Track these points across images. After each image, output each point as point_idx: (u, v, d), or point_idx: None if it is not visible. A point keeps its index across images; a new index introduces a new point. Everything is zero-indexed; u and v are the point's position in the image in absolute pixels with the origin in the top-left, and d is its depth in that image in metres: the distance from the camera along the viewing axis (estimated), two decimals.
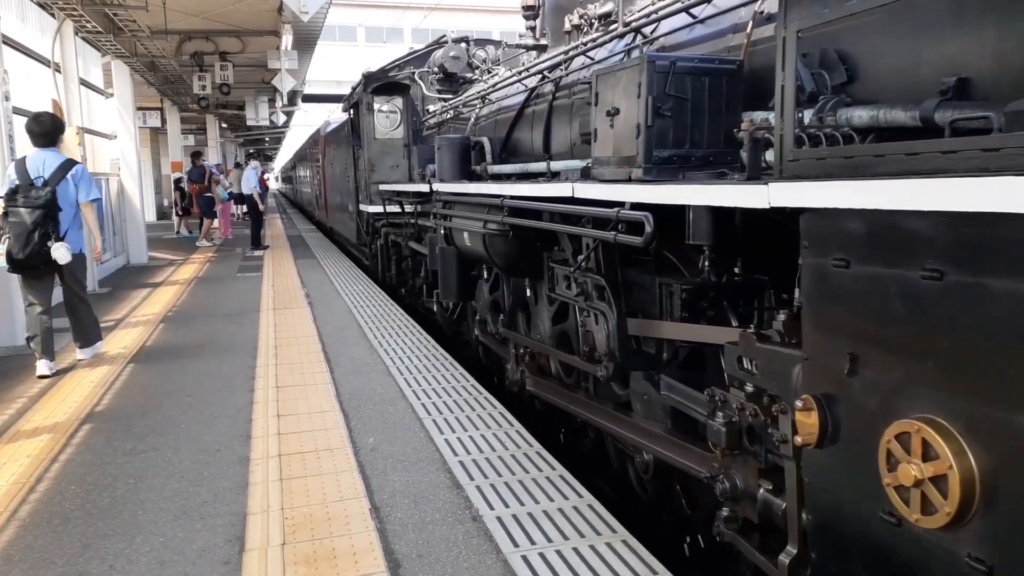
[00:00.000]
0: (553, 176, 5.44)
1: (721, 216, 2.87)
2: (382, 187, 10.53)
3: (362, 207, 12.25)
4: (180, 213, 21.71)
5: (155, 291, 11.33)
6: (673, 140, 3.28)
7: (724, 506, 2.98)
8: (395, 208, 9.96)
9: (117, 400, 5.71)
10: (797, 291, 2.46)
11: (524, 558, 3.15)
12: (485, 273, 6.87)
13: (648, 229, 3.11)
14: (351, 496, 3.86)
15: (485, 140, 7.05)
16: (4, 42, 8.02)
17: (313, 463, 4.33)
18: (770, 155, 2.61)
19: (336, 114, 17.89)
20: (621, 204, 3.42)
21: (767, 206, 2.36)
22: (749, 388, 2.76)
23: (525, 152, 6.43)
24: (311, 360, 6.71)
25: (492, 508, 3.65)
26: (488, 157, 6.94)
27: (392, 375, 6.12)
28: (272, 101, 23.70)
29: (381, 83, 11.50)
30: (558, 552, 3.20)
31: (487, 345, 7.10)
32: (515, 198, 4.92)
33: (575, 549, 3.22)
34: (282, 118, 26.89)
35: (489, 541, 3.33)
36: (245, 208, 20.08)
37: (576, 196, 3.92)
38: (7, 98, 7.71)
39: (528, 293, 5.91)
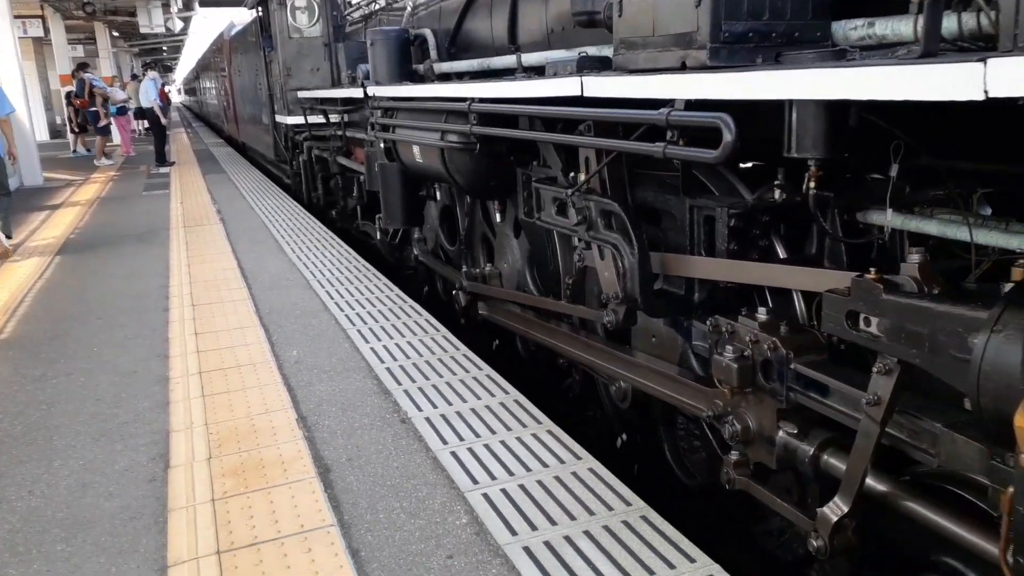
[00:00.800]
0: (531, 73, 4.19)
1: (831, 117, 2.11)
2: (301, 94, 9.49)
3: (279, 119, 10.99)
4: (76, 130, 20.35)
5: (54, 214, 10.71)
6: (748, 9, 2.38)
7: (733, 449, 2.61)
8: (318, 118, 8.94)
9: (21, 327, 5.45)
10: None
11: (453, 454, 3.22)
12: (438, 195, 5.97)
13: (728, 137, 2.20)
14: (277, 408, 3.83)
15: (427, 32, 5.85)
16: None
17: (236, 378, 4.26)
18: (949, 23, 1.95)
19: (242, 15, 16.28)
20: (663, 103, 2.50)
21: (982, 96, 1.50)
22: (762, 316, 2.42)
23: (482, 46, 5.30)
24: (227, 277, 6.52)
25: (420, 410, 3.69)
26: (433, 53, 5.77)
27: (313, 288, 6.02)
28: (166, 6, 22.12)
29: None
30: (486, 446, 3.27)
31: (432, 268, 6.39)
32: (488, 101, 3.91)
33: (502, 442, 3.30)
34: (179, 24, 25.17)
35: (418, 441, 3.38)
36: (146, 123, 18.97)
37: (588, 95, 2.94)
38: None
39: (499, 219, 5.02)
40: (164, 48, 41.75)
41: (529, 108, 3.53)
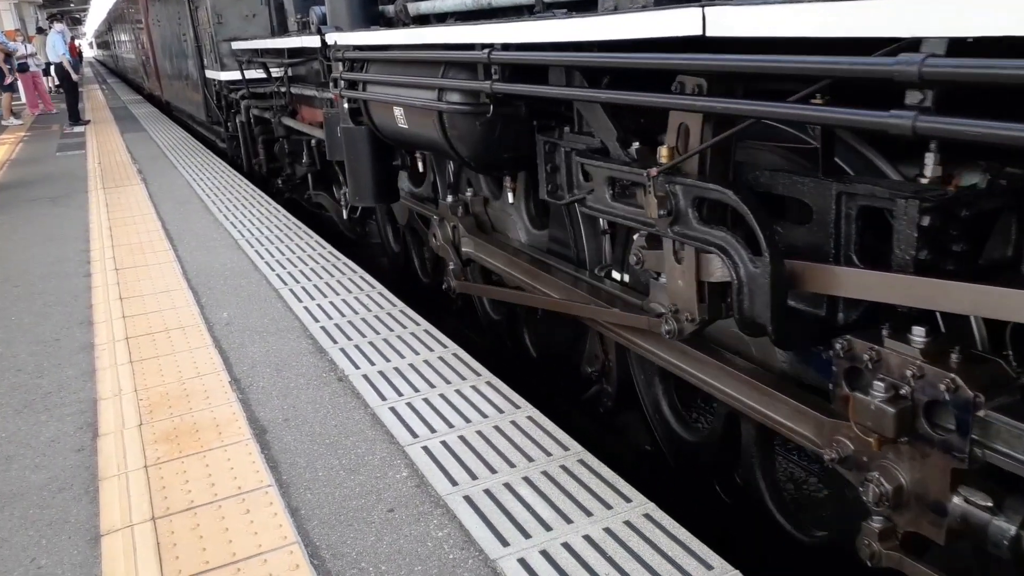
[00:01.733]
0: (557, 9, 3.10)
1: None
2: (235, 45, 8.35)
3: (210, 74, 9.85)
4: None
5: None
6: None
7: (876, 514, 1.99)
8: (258, 73, 7.93)
9: None
10: None
11: (392, 409, 3.22)
12: (419, 165, 5.10)
13: None
14: (209, 371, 3.75)
15: None
16: None
17: (164, 343, 4.15)
18: None
19: None
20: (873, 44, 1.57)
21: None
22: (920, 339, 1.82)
23: None
24: (151, 239, 6.29)
25: (358, 367, 3.66)
26: None
27: (242, 248, 5.86)
28: None
29: None
30: (426, 400, 3.28)
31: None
32: (518, 48, 2.93)
33: (442, 395, 3.31)
34: None
35: (356, 398, 3.36)
36: (56, 80, 17.98)
37: (712, 35, 1.96)
38: None
39: (510, 198, 4.08)
40: None
41: (606, 57, 2.44)
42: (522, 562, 2.24)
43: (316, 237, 6.08)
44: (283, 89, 7.19)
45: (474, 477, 2.67)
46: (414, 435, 3.00)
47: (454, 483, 2.65)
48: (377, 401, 3.31)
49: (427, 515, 2.50)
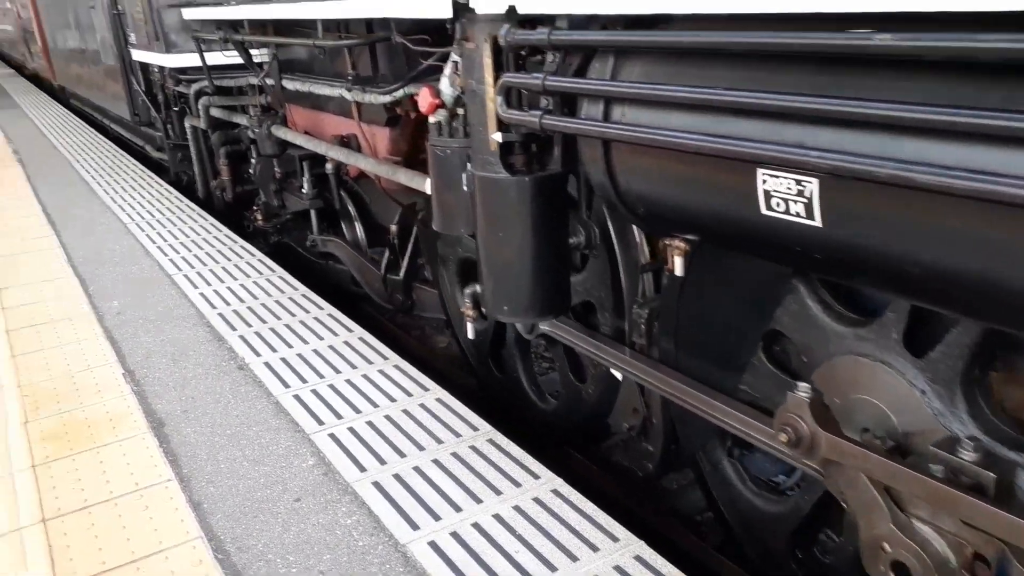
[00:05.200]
0: None
1: None
2: (193, 13, 5.54)
3: (141, 56, 6.92)
4: None
5: None
6: None
7: None
8: (225, 58, 5.47)
9: None
10: None
11: (296, 397, 3.16)
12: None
13: None
14: (100, 364, 3.58)
15: None
16: None
17: (50, 335, 3.92)
18: None
19: None
20: None
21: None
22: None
23: None
24: (31, 224, 5.91)
25: (259, 355, 3.57)
26: None
27: (132, 232, 5.58)
28: None
29: None
30: (331, 386, 3.23)
31: None
32: None
33: (348, 381, 3.28)
34: None
35: (259, 387, 3.28)
36: None
37: None
38: None
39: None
40: None
41: None
42: (432, 544, 2.26)
43: (211, 219, 5.85)
44: (270, 82, 4.95)
45: (383, 462, 2.66)
46: (320, 422, 2.96)
47: (363, 469, 2.63)
48: (280, 389, 3.24)
49: (335, 503, 2.48)
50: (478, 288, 2.82)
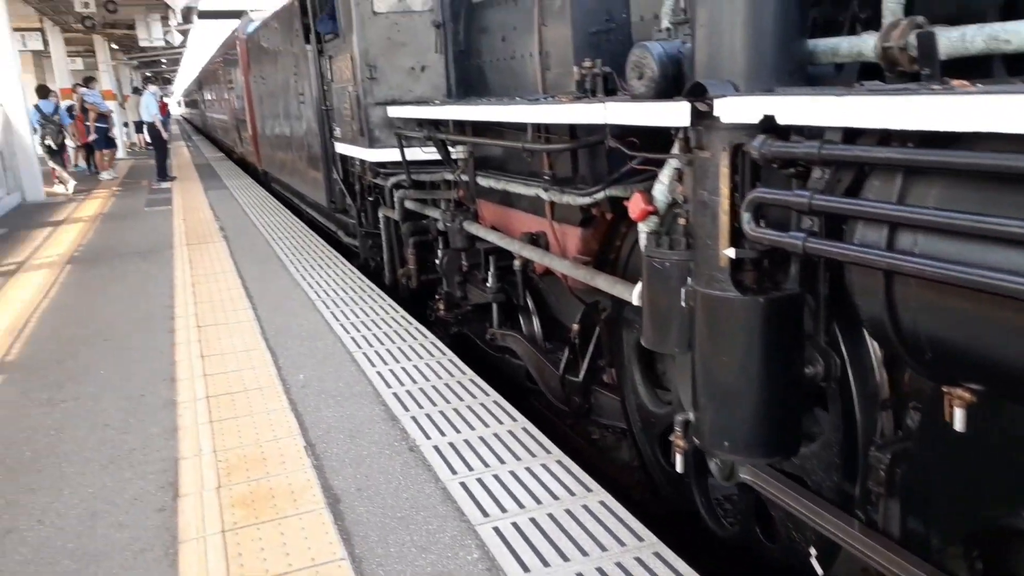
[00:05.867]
0: None
1: None
2: (398, 112, 5.81)
3: (347, 150, 7.11)
4: (78, 145, 20.37)
5: (57, 229, 10.72)
6: None
7: None
8: (424, 154, 5.68)
9: (28, 348, 5.46)
10: None
11: (463, 484, 3.23)
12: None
13: None
14: (285, 435, 3.84)
15: None
16: None
17: (243, 403, 4.27)
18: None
19: (261, 13, 12.60)
20: None
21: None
22: None
23: None
24: (232, 297, 6.53)
25: (429, 438, 3.70)
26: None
27: (318, 309, 6.03)
28: (165, 19, 22.19)
29: None
30: (495, 476, 3.28)
31: None
32: None
33: (512, 472, 3.31)
34: (178, 38, 25.29)
35: (428, 470, 3.39)
36: (147, 138, 19.00)
37: None
38: None
39: None
40: (163, 61, 41.88)
41: None
42: None
43: (389, 300, 6.21)
44: (465, 178, 5.15)
45: (546, 564, 2.65)
46: (485, 514, 3.00)
47: (526, 569, 2.63)
48: (448, 475, 3.33)
49: None
50: (691, 416, 2.56)
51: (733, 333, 2.26)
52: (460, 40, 5.88)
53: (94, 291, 7.07)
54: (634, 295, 3.01)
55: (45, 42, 22.32)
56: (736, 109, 2.13)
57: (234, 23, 17.84)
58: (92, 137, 18.04)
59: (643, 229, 2.78)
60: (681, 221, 2.56)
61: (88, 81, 18.91)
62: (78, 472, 3.58)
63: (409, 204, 6.20)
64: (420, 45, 5.97)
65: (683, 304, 2.46)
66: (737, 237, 2.22)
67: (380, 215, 6.92)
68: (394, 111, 5.87)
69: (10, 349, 5.45)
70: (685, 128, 2.42)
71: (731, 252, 2.20)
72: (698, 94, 2.22)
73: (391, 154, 6.05)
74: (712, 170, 2.26)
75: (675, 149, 2.61)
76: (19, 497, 3.38)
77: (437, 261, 5.94)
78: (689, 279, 2.42)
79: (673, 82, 2.49)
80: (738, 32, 2.16)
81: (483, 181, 4.89)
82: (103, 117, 18.23)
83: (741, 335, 2.24)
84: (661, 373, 3.65)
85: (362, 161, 6.89)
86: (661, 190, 2.63)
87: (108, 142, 18.22)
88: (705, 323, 2.35)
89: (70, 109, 20.25)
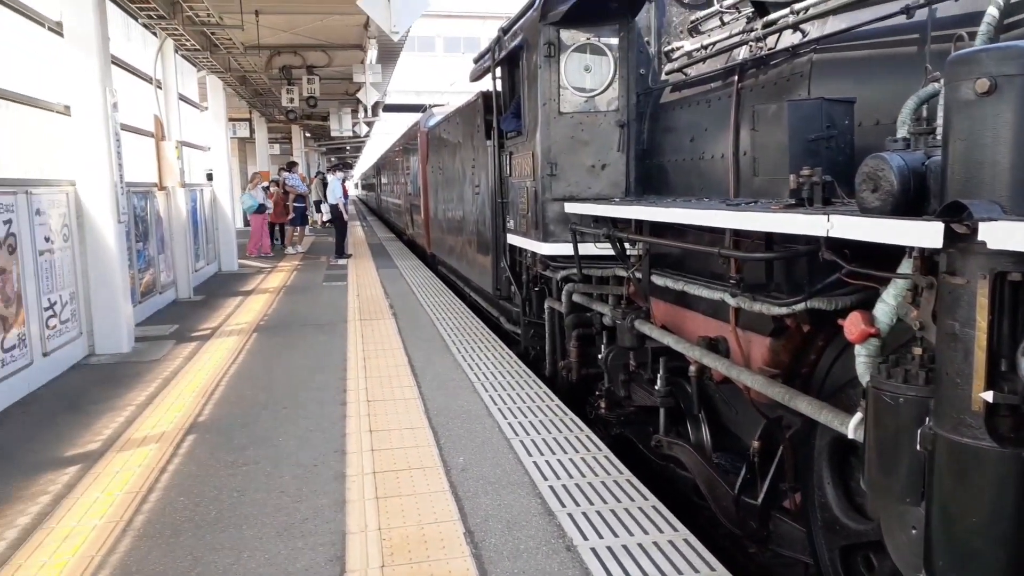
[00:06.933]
0: None
1: None
2: (576, 208, 5.87)
3: (522, 243, 7.13)
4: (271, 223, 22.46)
5: (247, 299, 11.74)
6: None
7: None
8: (597, 249, 5.70)
9: (217, 411, 5.94)
10: None
11: None
12: None
13: None
14: (445, 519, 3.92)
15: None
16: (112, 61, 8.48)
17: (407, 482, 4.41)
18: None
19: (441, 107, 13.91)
20: None
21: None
22: None
23: None
24: (399, 374, 6.83)
25: (586, 538, 3.64)
26: None
27: (477, 391, 6.18)
28: (355, 112, 24.32)
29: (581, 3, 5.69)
30: None
31: None
32: None
33: None
34: (364, 129, 27.56)
35: (585, 573, 3.33)
36: (328, 217, 20.61)
37: None
38: (115, 108, 8.15)
39: None
40: (348, 148, 45.64)
41: None
42: None
43: (544, 388, 6.27)
44: (638, 276, 5.12)
45: None
46: None
47: None
48: None
49: None
50: None
51: (986, 490, 1.97)
52: (643, 139, 5.97)
53: (276, 359, 7.63)
54: (850, 427, 2.71)
55: (251, 130, 25.10)
56: (1007, 234, 1.88)
57: (413, 116, 19.20)
58: (291, 216, 19.82)
59: (861, 353, 2.56)
60: (916, 351, 2.31)
61: (291, 166, 20.98)
62: (256, 536, 3.81)
63: (577, 297, 6.21)
64: (602, 143, 6.06)
65: (918, 448, 2.17)
66: (995, 377, 1.94)
67: (545, 306, 7.02)
68: (572, 207, 5.95)
69: (203, 410, 5.96)
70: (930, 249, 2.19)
71: (988, 396, 1.92)
72: (954, 214, 2.00)
73: (563, 248, 6.13)
74: (967, 299, 2.01)
75: (905, 267, 2.40)
76: (204, 555, 3.63)
77: (600, 356, 5.90)
78: (928, 419, 2.14)
79: (913, 197, 2.29)
80: (1004, 148, 1.95)
81: (658, 280, 4.81)
82: (301, 198, 20.07)
83: (997, 494, 1.94)
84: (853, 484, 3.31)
85: (533, 253, 6.97)
86: (886, 311, 2.42)
87: (303, 220, 19.95)
88: (949, 475, 2.05)
89: (266, 189, 22.49)
